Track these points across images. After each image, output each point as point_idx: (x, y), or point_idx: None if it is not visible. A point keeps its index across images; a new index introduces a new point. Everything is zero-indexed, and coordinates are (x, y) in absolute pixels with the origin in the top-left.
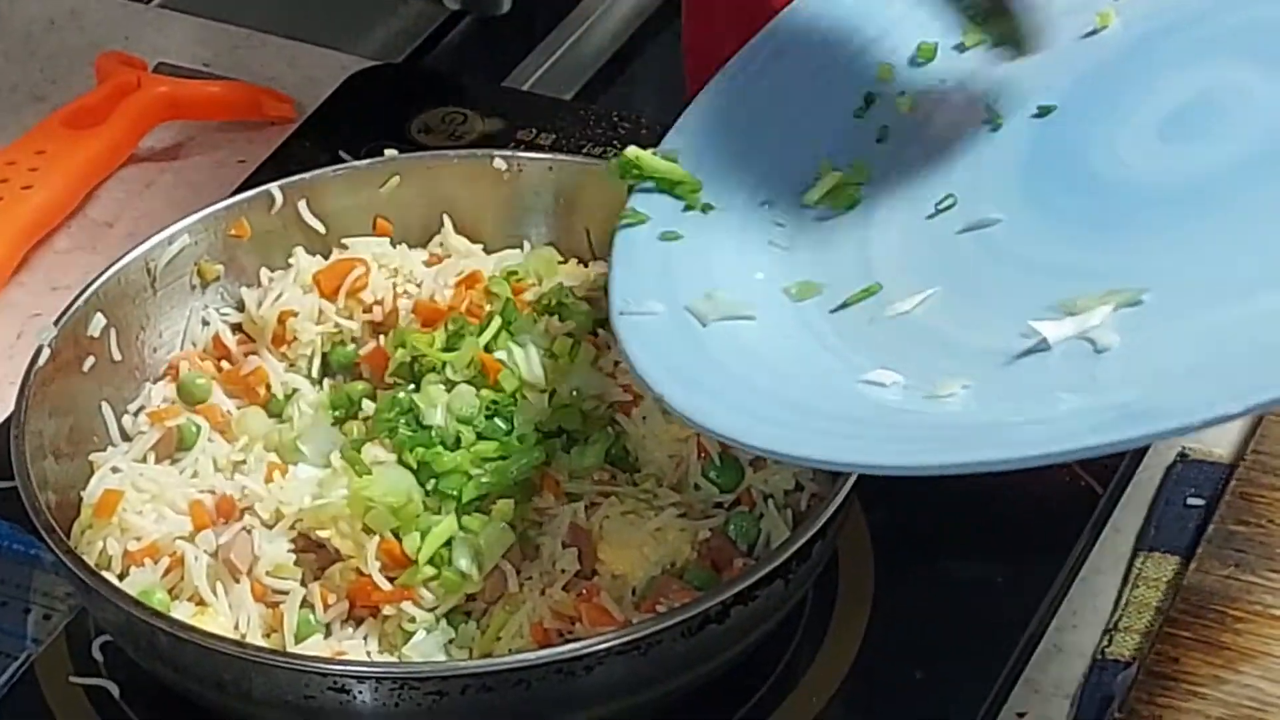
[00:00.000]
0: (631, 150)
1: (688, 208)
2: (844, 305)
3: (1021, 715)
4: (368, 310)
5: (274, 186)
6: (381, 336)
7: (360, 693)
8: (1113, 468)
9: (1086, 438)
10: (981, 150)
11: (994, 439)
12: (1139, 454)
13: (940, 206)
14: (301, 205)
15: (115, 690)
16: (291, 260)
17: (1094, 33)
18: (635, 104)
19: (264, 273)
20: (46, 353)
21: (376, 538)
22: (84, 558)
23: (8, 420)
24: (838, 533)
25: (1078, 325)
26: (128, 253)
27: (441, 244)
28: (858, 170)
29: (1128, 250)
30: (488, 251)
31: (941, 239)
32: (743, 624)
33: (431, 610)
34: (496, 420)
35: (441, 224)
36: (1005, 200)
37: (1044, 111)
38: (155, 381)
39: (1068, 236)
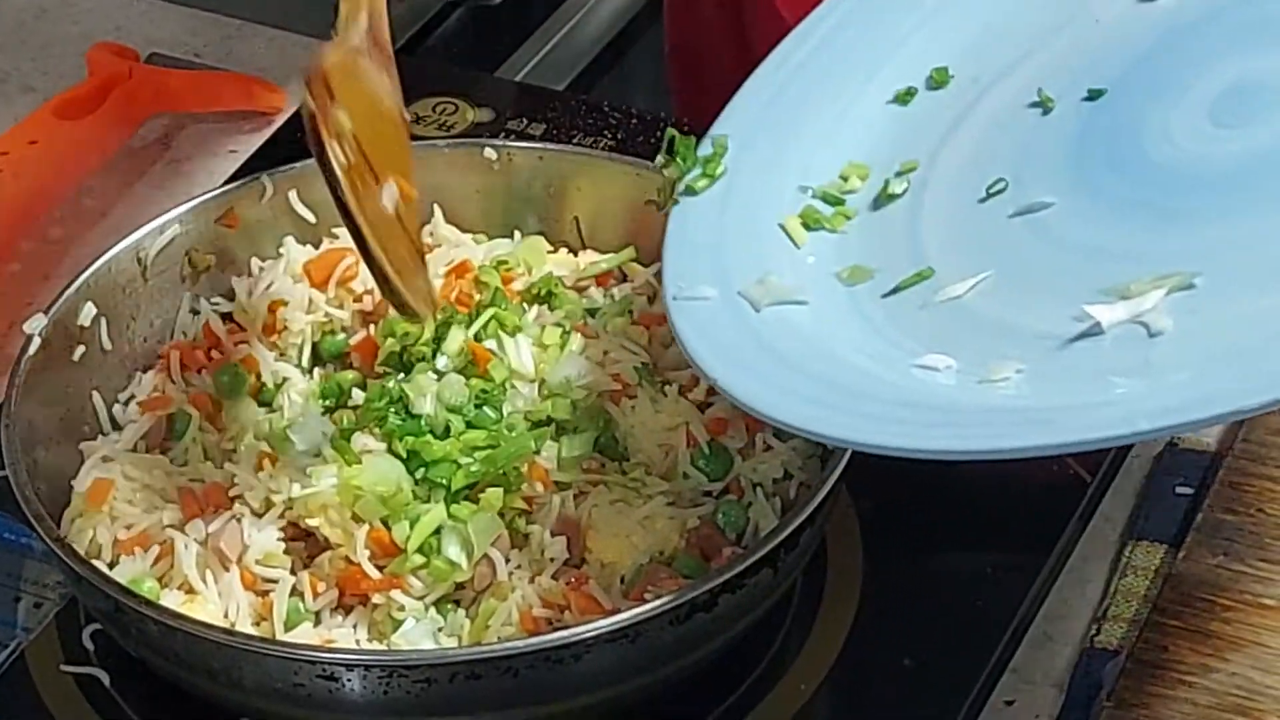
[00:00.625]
0: (679, 137)
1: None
2: (896, 290)
3: (1010, 703)
4: (358, 299)
5: (265, 176)
6: (371, 326)
7: (349, 680)
8: (1101, 456)
9: (1139, 422)
10: (1032, 134)
11: (1048, 423)
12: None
13: (991, 190)
14: (292, 195)
15: (106, 678)
16: (282, 250)
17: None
18: (627, 95)
19: (254, 262)
20: (37, 342)
21: (366, 526)
22: (74, 546)
23: None
24: (826, 521)
25: (1131, 309)
26: (118, 242)
27: (431, 233)
28: (904, 163)
29: (1180, 234)
30: (477, 241)
31: (993, 223)
32: (731, 612)
33: (420, 598)
34: (486, 409)
35: (431, 213)
36: (1057, 184)
37: (1094, 95)
38: (145, 371)
39: (1119, 220)
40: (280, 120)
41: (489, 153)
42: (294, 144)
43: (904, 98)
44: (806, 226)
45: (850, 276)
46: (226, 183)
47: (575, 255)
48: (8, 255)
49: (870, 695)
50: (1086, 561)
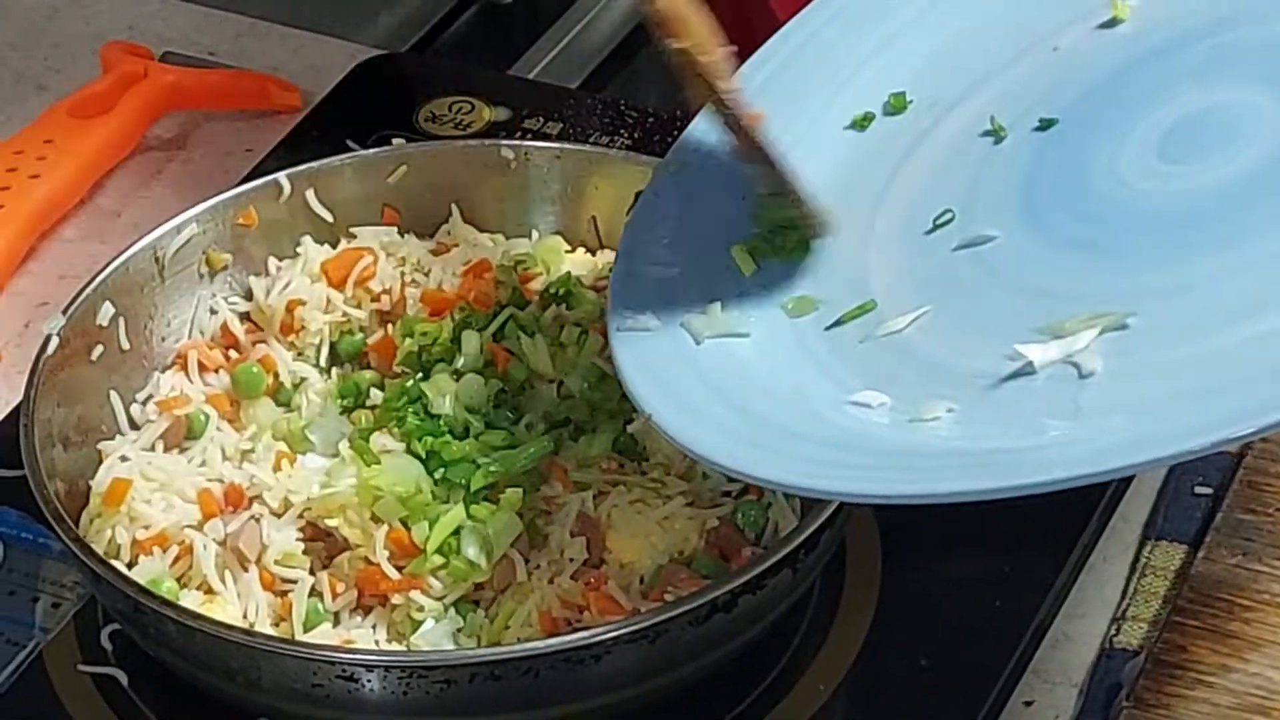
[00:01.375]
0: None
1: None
2: (838, 323)
3: (1029, 704)
4: (375, 299)
5: (282, 175)
6: (389, 325)
7: (369, 681)
8: None
9: (1060, 469)
10: (983, 164)
11: (974, 468)
12: None
13: (938, 222)
14: (309, 194)
15: (124, 678)
16: (299, 249)
17: (1107, 25)
18: (641, 92)
19: (272, 262)
20: (55, 342)
21: (385, 526)
22: (92, 546)
23: (16, 409)
24: (845, 522)
25: (1063, 349)
26: (136, 242)
27: (449, 233)
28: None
29: (1118, 273)
30: (495, 241)
31: (938, 256)
32: (750, 613)
33: (440, 599)
34: (504, 409)
35: (449, 213)
36: (1003, 217)
37: (1046, 124)
38: (163, 370)
39: (1060, 257)
40: (296, 119)
41: (506, 152)
42: (310, 143)
43: (861, 123)
44: (754, 255)
45: (795, 308)
46: (242, 182)
47: (593, 255)
48: (23, 254)
49: (888, 696)
50: (1106, 562)
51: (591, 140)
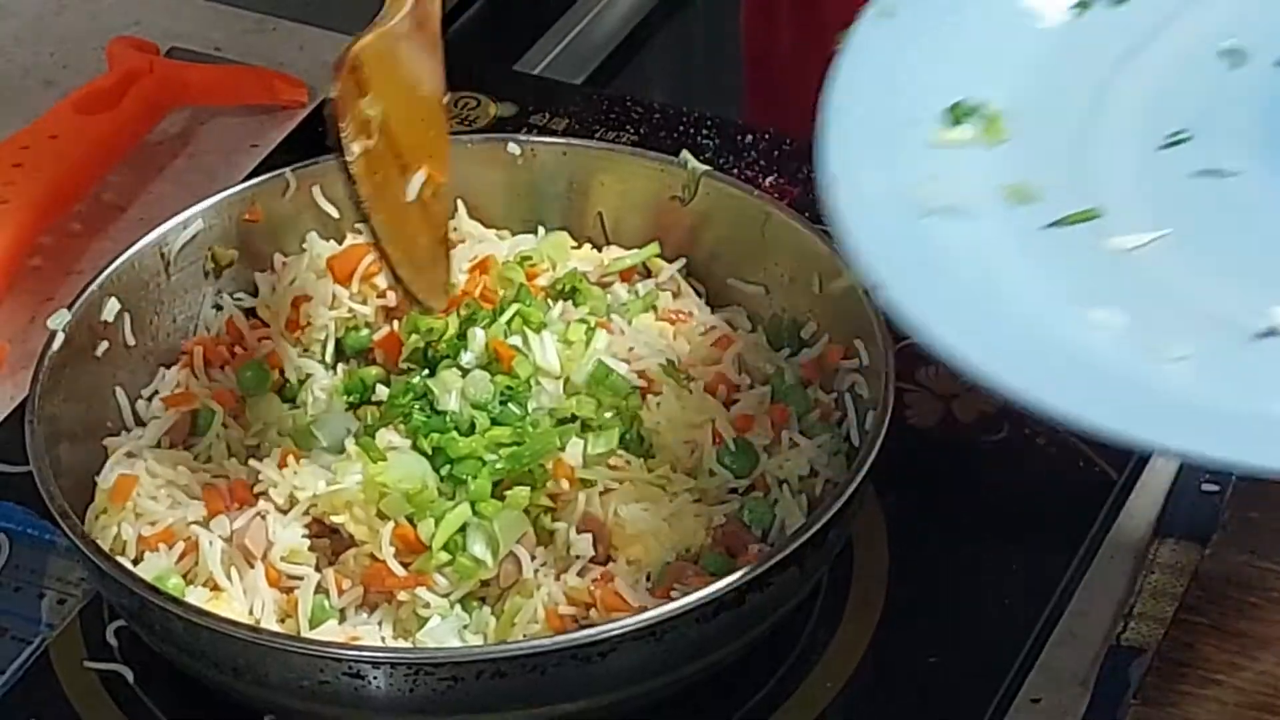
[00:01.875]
0: None
1: None
2: (1060, 223)
3: (1036, 701)
4: (381, 295)
5: (288, 171)
6: (395, 321)
7: (375, 678)
8: (1128, 454)
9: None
10: (1219, 87)
11: (1211, 429)
12: None
13: (1172, 139)
14: (315, 190)
15: (130, 675)
16: (305, 245)
17: None
18: (645, 89)
19: (277, 258)
20: (60, 338)
21: (391, 523)
22: (98, 542)
23: (21, 405)
24: (853, 519)
25: None
26: (141, 237)
27: (455, 228)
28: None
29: None
30: (500, 237)
31: (1174, 177)
32: (757, 610)
33: (446, 596)
34: (511, 405)
35: (455, 208)
36: (1245, 151)
37: None
38: (169, 366)
39: None
40: (302, 115)
41: (513, 148)
42: (316, 138)
43: (1081, 6)
44: (965, 131)
45: (1014, 194)
46: (248, 178)
47: (599, 251)
48: (28, 250)
49: (896, 693)
50: (1113, 559)
51: (597, 136)
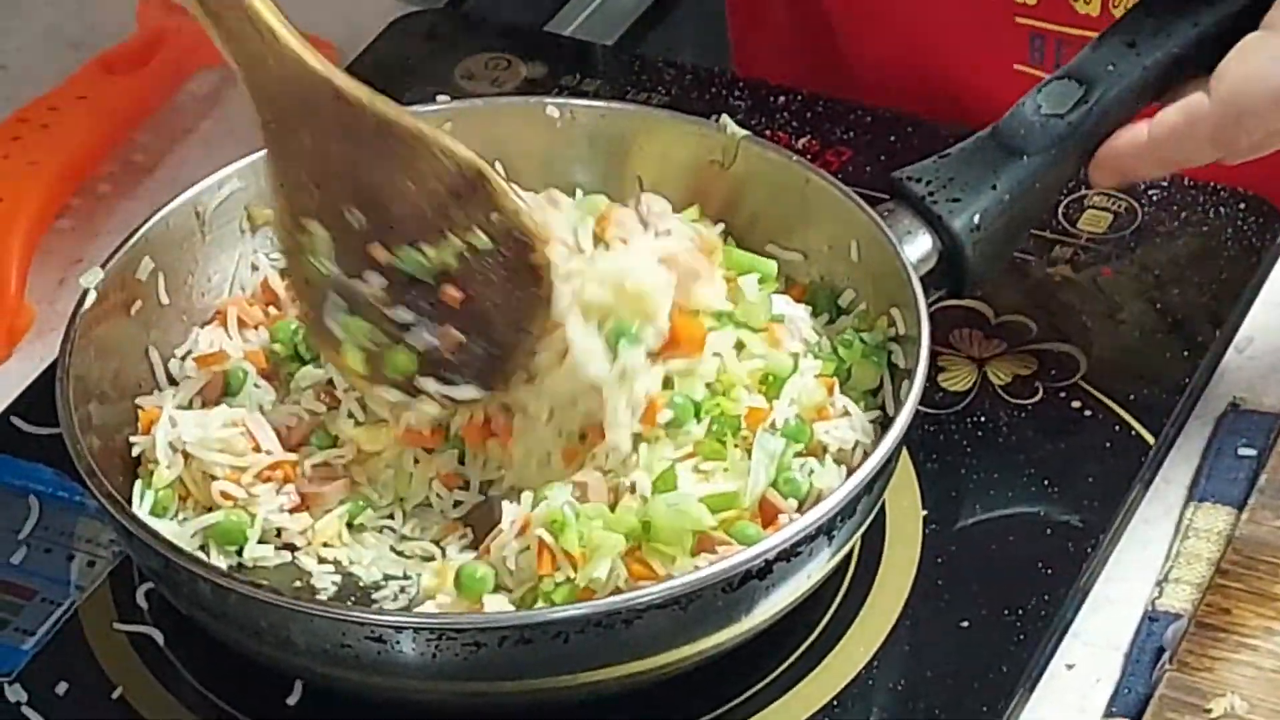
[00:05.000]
0: None
1: None
2: None
3: (1070, 666)
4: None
5: None
6: None
7: (398, 643)
8: (1163, 417)
9: None
10: None
11: None
12: (1190, 403)
13: None
14: None
15: (159, 637)
16: None
17: None
18: (677, 49)
19: None
20: (93, 296)
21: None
22: (126, 503)
23: (52, 367)
24: (885, 487)
25: None
26: (177, 196)
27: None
28: None
29: None
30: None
31: None
32: (786, 579)
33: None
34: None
35: (493, 169)
36: None
37: None
38: (202, 326)
39: None
40: None
41: (552, 110)
42: None
43: None
44: None
45: None
46: None
47: None
48: (57, 211)
49: (929, 659)
50: (1148, 524)
51: (628, 97)
